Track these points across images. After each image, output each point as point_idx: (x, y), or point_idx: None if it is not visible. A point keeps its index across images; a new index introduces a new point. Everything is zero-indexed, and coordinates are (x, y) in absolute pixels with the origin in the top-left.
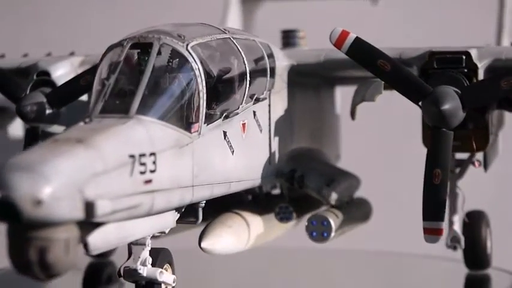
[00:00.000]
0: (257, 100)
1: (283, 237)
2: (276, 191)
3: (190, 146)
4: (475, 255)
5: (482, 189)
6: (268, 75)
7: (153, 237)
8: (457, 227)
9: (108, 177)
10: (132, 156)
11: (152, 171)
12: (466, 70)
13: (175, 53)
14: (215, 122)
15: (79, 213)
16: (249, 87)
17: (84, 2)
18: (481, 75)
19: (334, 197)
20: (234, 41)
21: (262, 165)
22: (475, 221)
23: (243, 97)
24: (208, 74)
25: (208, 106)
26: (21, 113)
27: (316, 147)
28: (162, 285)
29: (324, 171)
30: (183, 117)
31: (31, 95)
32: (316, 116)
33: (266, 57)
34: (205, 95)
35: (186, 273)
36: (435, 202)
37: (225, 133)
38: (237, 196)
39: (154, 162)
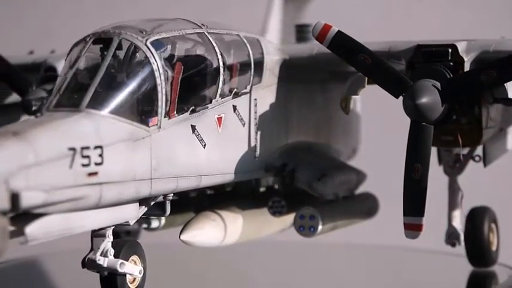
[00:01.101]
0: (237, 94)
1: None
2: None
3: (148, 139)
4: (477, 252)
5: (490, 185)
6: (253, 70)
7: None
8: (456, 223)
9: (42, 169)
10: (72, 149)
11: (98, 164)
12: (451, 63)
13: (134, 48)
14: (179, 116)
15: (5, 204)
16: (223, 82)
17: None
18: (467, 68)
19: (325, 191)
20: (208, 36)
21: (245, 159)
22: (477, 218)
23: (217, 91)
24: (167, 69)
25: (170, 100)
26: (25, 106)
27: (323, 141)
28: (128, 276)
29: (319, 165)
30: (139, 111)
31: (36, 90)
32: (323, 110)
33: (250, 52)
34: (164, 90)
35: (181, 267)
36: (415, 197)
37: (193, 127)
38: (235, 190)
39: (100, 155)
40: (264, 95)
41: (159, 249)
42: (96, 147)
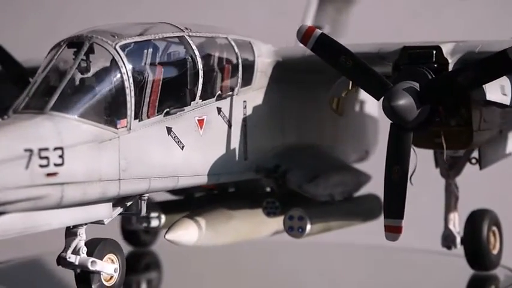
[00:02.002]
0: (220, 97)
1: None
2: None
3: (115, 141)
4: (476, 255)
5: (496, 188)
6: (241, 72)
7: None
8: (452, 225)
9: None
10: (28, 150)
11: (58, 165)
12: (435, 65)
13: (103, 52)
14: (152, 118)
15: None
16: (203, 84)
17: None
18: None
19: (317, 192)
20: (188, 39)
21: (233, 161)
22: (477, 220)
23: (196, 94)
24: (138, 72)
25: (142, 103)
26: None
27: (327, 143)
28: (104, 274)
29: (312, 166)
30: (106, 113)
31: None
32: (327, 112)
33: (238, 55)
34: (132, 93)
35: (181, 267)
36: (394, 200)
37: (169, 129)
38: (238, 191)
39: (61, 156)
40: (255, 97)
41: (158, 248)
42: (56, 149)
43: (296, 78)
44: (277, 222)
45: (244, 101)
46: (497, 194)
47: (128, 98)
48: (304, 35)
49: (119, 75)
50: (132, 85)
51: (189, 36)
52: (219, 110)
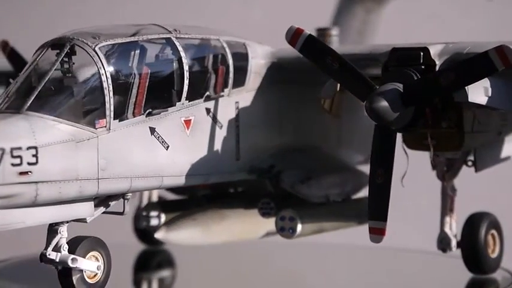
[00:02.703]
0: (209, 98)
1: None
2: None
3: (93, 140)
4: (473, 258)
5: (498, 191)
6: (232, 73)
7: None
8: (448, 228)
9: None
10: (0, 149)
11: (32, 164)
12: (423, 66)
13: (83, 54)
14: (133, 119)
15: None
16: (189, 86)
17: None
18: None
19: (310, 193)
20: (175, 41)
21: (223, 161)
22: (474, 224)
23: (181, 95)
24: (118, 74)
25: (123, 103)
26: None
27: (329, 145)
28: (88, 271)
29: (307, 167)
30: (84, 113)
31: None
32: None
33: (229, 56)
34: (111, 93)
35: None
36: (378, 202)
37: (152, 129)
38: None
39: (34, 155)
40: (249, 98)
41: (171, 247)
42: (29, 148)
43: (293, 79)
44: (272, 223)
45: (237, 102)
46: (500, 197)
47: (107, 99)
48: (293, 37)
49: (97, 76)
50: (110, 86)
51: (176, 38)
52: (208, 110)
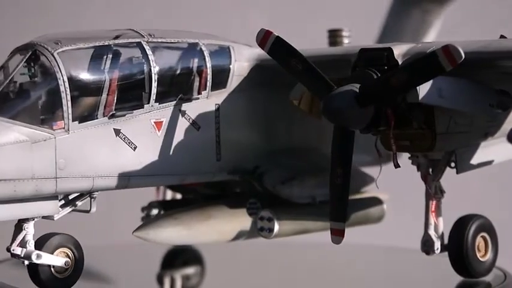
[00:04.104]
0: (182, 100)
1: None
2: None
3: (51, 141)
4: (460, 261)
5: (493, 193)
6: (211, 76)
7: None
8: (432, 230)
9: None
10: None
11: None
12: (386, 67)
13: (43, 59)
14: (95, 120)
15: None
16: (159, 89)
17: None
18: None
19: (292, 194)
20: (145, 45)
21: (200, 162)
22: (462, 226)
23: (149, 98)
24: (77, 78)
25: (83, 106)
26: None
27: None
28: (57, 266)
29: (292, 168)
30: (41, 116)
31: None
32: None
33: (207, 59)
34: (68, 96)
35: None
36: (337, 202)
37: (117, 130)
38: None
39: None
40: (232, 100)
41: (156, 248)
42: None
43: (282, 81)
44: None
45: (217, 104)
46: (500, 200)
47: (64, 102)
48: (262, 39)
49: (55, 80)
50: (68, 90)
51: (147, 42)
52: (182, 112)
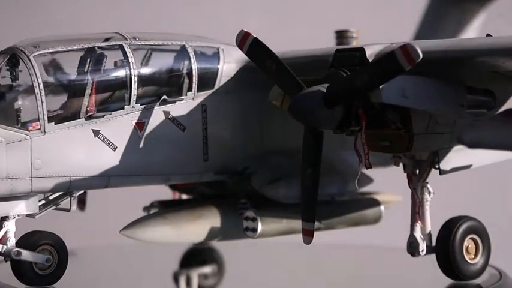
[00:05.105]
0: (166, 101)
1: None
2: None
3: (26, 142)
4: (447, 263)
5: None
6: (197, 78)
7: None
8: (418, 232)
9: None
10: None
11: None
12: (358, 67)
13: (21, 62)
14: (72, 121)
15: None
16: (139, 90)
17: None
18: None
19: (278, 194)
20: (126, 48)
21: (186, 162)
22: (449, 228)
23: (130, 99)
24: (54, 80)
25: (59, 108)
26: None
27: (331, 148)
28: (39, 263)
29: (280, 169)
30: (17, 117)
31: None
32: None
33: (192, 61)
34: (43, 98)
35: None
36: (306, 203)
37: (96, 131)
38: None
39: None
40: (220, 101)
41: (156, 247)
42: None
43: (272, 82)
44: None
45: (204, 105)
46: (491, 202)
47: (39, 103)
48: (241, 40)
49: (29, 83)
50: (42, 91)
51: (129, 45)
52: (166, 113)
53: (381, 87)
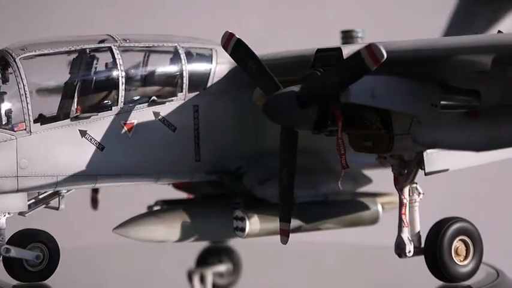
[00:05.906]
0: (155, 102)
1: None
2: None
3: (12, 142)
4: (434, 264)
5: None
6: (187, 78)
7: None
8: (405, 233)
9: None
10: None
11: None
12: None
13: (7, 64)
14: (58, 122)
15: None
16: (127, 91)
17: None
18: None
19: (267, 194)
20: (114, 50)
21: (177, 162)
22: (437, 229)
23: (117, 100)
24: (40, 82)
25: (46, 108)
26: None
27: (328, 148)
28: (30, 260)
29: (272, 169)
30: (4, 118)
31: None
32: None
33: (183, 62)
34: (28, 99)
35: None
36: (283, 203)
37: (83, 132)
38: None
39: None
40: (213, 101)
41: (155, 247)
42: None
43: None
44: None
45: (195, 106)
46: (488, 203)
47: (24, 105)
48: (226, 41)
49: (15, 84)
50: (27, 93)
51: (118, 46)
52: (156, 114)
53: (350, 87)
